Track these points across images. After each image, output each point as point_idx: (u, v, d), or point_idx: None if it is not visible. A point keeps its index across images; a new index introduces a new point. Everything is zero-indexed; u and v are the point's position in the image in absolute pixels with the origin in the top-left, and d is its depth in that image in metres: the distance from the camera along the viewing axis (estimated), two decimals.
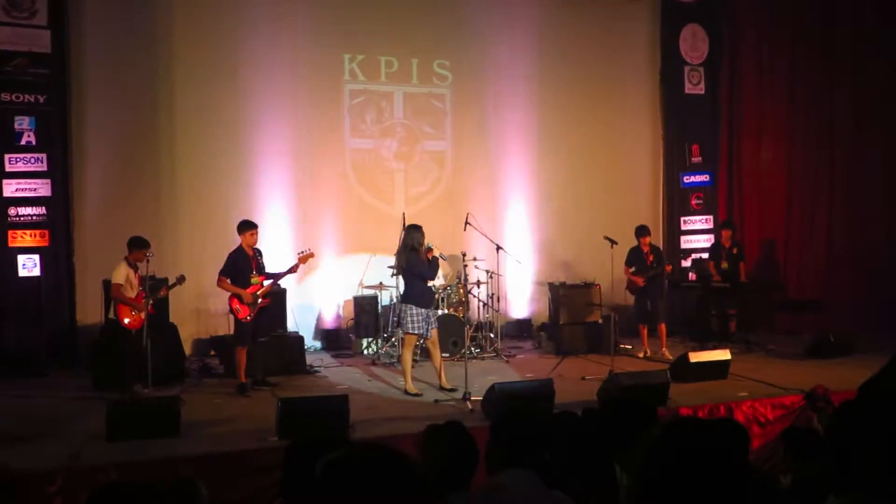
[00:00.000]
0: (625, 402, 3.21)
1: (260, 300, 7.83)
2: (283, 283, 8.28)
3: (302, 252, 8.15)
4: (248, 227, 7.87)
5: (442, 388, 7.54)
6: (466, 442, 2.93)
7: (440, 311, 9.02)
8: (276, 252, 8.57)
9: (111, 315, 7.59)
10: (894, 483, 1.05)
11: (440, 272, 7.70)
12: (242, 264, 7.78)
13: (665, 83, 12.11)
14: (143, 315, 7.44)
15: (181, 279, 7.83)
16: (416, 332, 7.47)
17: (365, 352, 9.80)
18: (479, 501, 2.66)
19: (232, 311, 7.81)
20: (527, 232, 11.16)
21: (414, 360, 8.01)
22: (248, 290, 7.74)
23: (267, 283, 7.90)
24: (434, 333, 7.59)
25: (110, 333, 7.76)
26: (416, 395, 7.48)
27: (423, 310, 7.46)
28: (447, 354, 8.75)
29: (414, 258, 7.48)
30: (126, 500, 2.17)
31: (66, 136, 9.35)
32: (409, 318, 7.44)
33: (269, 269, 8.03)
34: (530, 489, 2.54)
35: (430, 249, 7.48)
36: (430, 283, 7.61)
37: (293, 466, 2.30)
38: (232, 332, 8.17)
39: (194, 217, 9.95)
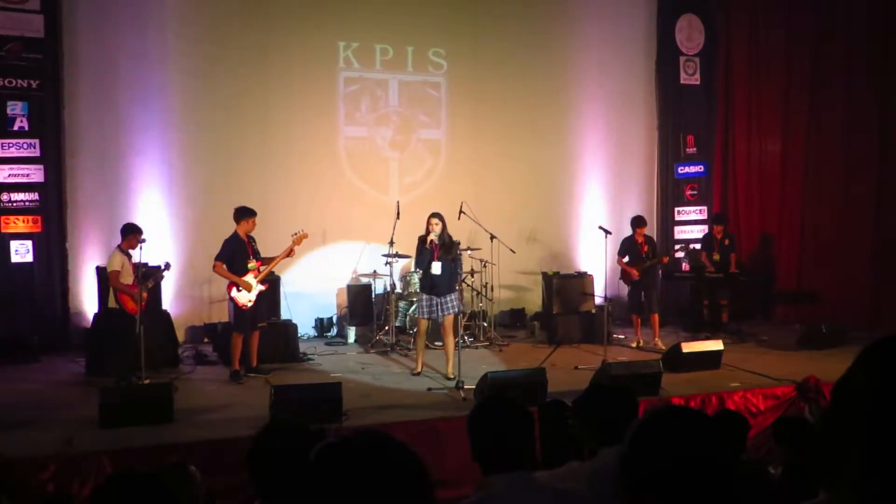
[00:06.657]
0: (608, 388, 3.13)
1: (258, 286, 7.81)
2: (276, 269, 8.25)
3: (295, 233, 8.12)
4: (248, 214, 7.80)
5: (446, 378, 7.56)
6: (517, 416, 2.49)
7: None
8: (268, 239, 8.53)
9: (112, 304, 7.46)
10: (888, 483, 1.05)
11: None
12: (238, 250, 7.75)
13: (660, 73, 12.10)
14: (142, 303, 7.39)
15: (167, 266, 7.79)
16: (419, 315, 7.88)
17: (358, 340, 9.81)
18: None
19: (231, 297, 7.80)
20: (521, 221, 11.14)
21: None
22: (244, 276, 7.73)
23: (263, 268, 7.89)
24: (448, 321, 7.69)
25: (109, 321, 7.69)
26: (416, 374, 7.83)
27: (426, 296, 7.72)
28: (440, 343, 8.76)
29: (418, 247, 7.80)
30: (132, 492, 2.15)
31: (59, 122, 9.31)
32: (418, 303, 8.00)
33: (262, 254, 8.00)
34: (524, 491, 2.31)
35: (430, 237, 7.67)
36: (436, 272, 7.63)
37: (259, 461, 2.30)
38: (228, 319, 8.13)
39: (188, 203, 9.92)
